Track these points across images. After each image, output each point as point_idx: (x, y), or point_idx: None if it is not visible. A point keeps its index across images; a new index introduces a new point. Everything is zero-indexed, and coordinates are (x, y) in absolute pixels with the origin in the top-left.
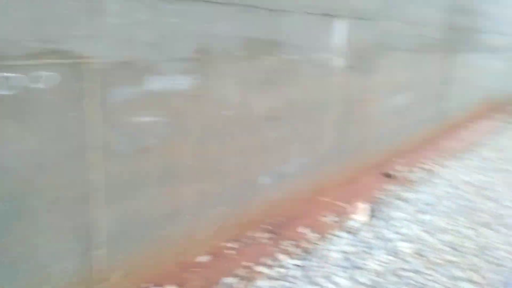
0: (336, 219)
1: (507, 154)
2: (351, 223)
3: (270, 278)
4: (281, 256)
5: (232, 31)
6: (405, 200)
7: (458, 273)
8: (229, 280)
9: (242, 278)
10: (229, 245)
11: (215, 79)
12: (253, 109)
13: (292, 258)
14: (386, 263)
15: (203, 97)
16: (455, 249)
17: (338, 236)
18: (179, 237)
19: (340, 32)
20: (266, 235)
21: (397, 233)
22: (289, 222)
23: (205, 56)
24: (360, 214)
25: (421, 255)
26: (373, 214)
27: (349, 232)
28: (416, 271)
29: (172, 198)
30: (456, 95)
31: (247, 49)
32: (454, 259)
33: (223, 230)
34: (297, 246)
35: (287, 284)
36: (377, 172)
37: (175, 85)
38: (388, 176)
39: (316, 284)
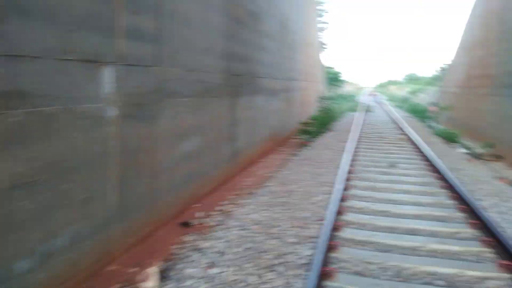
0: None
1: (289, 186)
2: None
3: None
4: None
5: None
6: (200, 250)
7: None
8: None
9: None
10: None
11: None
12: None
13: None
14: None
15: None
16: None
17: None
18: None
19: (110, 80)
20: None
21: None
22: None
23: None
24: (149, 281)
25: None
26: (165, 275)
27: None
28: None
29: None
30: (246, 135)
31: None
32: None
33: None
34: None
35: None
36: (175, 223)
37: None
38: (185, 225)
39: None
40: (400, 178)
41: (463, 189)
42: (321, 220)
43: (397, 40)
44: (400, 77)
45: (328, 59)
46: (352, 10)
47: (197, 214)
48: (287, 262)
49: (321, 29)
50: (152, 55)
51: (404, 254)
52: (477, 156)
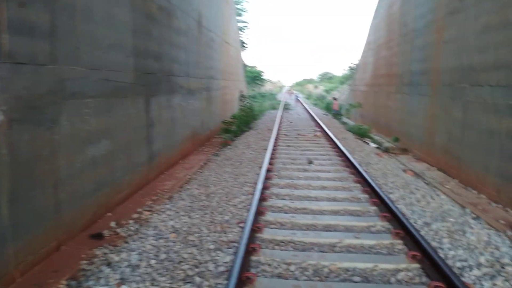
0: None
1: (210, 188)
2: None
3: None
4: None
5: None
6: (111, 265)
7: None
8: None
9: None
10: None
11: None
12: None
13: None
14: None
15: None
16: None
17: None
18: None
19: None
20: None
21: None
22: None
23: None
24: None
25: None
26: None
27: None
28: None
29: None
30: (164, 136)
31: None
32: None
33: None
34: None
35: None
36: (85, 235)
37: None
38: (97, 237)
39: None
40: (317, 174)
41: (375, 183)
42: (242, 222)
43: (313, 41)
44: (315, 76)
45: (249, 58)
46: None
47: (110, 224)
48: (206, 271)
49: (241, 29)
50: (47, 52)
51: (322, 251)
52: (386, 150)
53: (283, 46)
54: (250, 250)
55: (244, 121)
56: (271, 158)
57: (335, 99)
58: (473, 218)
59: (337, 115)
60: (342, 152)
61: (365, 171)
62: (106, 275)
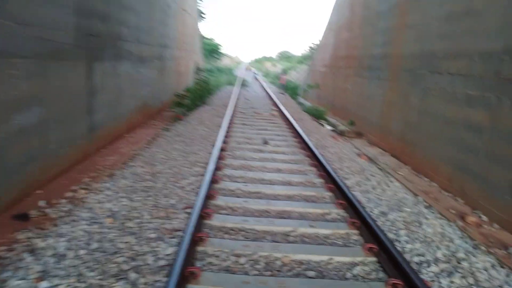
0: None
1: (157, 167)
2: None
3: None
4: None
5: None
6: (35, 252)
7: None
8: None
9: None
10: None
11: None
12: None
13: None
14: None
15: None
16: None
17: None
18: None
19: None
20: None
21: None
22: None
23: None
24: None
25: None
26: None
27: None
28: None
29: None
30: (108, 106)
31: None
32: None
33: None
34: None
35: None
36: (7, 216)
37: None
38: (22, 218)
39: None
40: (272, 156)
41: (330, 167)
42: (189, 207)
43: (273, 18)
44: (273, 54)
45: (207, 30)
46: None
47: (39, 203)
48: (143, 265)
49: None
50: None
51: (275, 241)
52: (341, 133)
53: (244, 21)
54: (196, 240)
55: (198, 96)
56: (226, 137)
57: (283, 74)
58: (426, 207)
59: (287, 90)
60: (298, 133)
61: (321, 154)
62: (27, 265)
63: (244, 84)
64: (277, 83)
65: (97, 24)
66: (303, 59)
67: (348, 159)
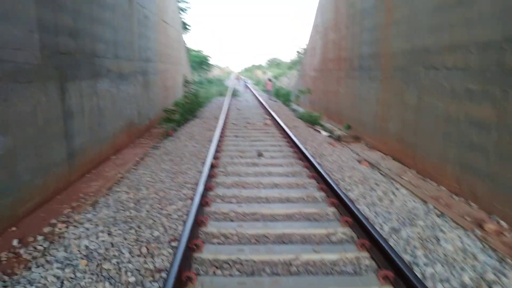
0: None
1: (142, 192)
2: None
3: None
4: None
5: None
6: None
7: None
8: None
9: None
10: None
11: None
12: None
13: None
14: None
15: None
16: None
17: None
18: None
19: None
20: None
21: None
22: None
23: None
24: None
25: None
26: None
27: None
28: None
29: None
30: (88, 129)
31: None
32: None
33: None
34: None
35: None
36: None
37: None
38: None
39: None
40: (268, 169)
41: (331, 178)
42: (175, 240)
43: (261, 26)
44: (263, 62)
45: (195, 42)
46: None
47: (12, 243)
48: None
49: (183, 9)
50: None
51: (276, 274)
52: (338, 139)
53: (232, 31)
54: (184, 281)
55: (188, 109)
56: (217, 151)
57: (269, 80)
58: (439, 216)
59: (279, 97)
60: (293, 142)
61: (319, 164)
62: None
63: (235, 94)
64: (264, 90)
65: (67, 41)
66: (293, 65)
67: (348, 167)
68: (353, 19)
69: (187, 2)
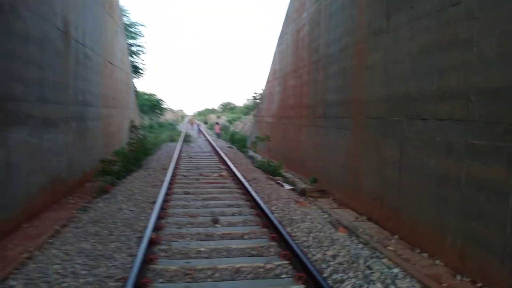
0: None
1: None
2: None
3: None
4: None
5: None
6: None
7: None
8: None
9: None
10: None
11: None
12: None
13: None
14: None
15: None
16: None
17: None
18: None
19: None
20: None
21: None
22: None
23: None
24: None
25: None
26: None
27: None
28: None
29: None
30: (13, 184)
31: None
32: None
33: None
34: None
35: None
36: None
37: None
38: None
39: None
40: (225, 244)
41: (311, 264)
42: None
43: (215, 71)
44: (216, 106)
45: (148, 86)
46: (174, 37)
47: None
48: None
49: (135, 53)
50: None
51: None
52: (303, 193)
53: (185, 76)
54: None
55: (131, 158)
56: (160, 217)
57: (217, 123)
58: None
59: (234, 143)
60: (255, 202)
61: (291, 236)
62: None
63: (187, 140)
64: (214, 133)
65: None
66: (247, 109)
67: (326, 239)
68: (317, 65)
69: (140, 46)
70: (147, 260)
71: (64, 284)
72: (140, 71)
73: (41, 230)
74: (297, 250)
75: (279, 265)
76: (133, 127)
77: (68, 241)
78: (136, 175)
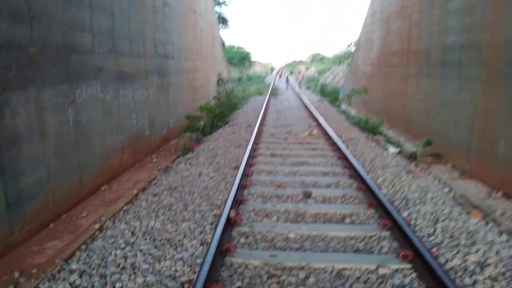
0: None
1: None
2: None
3: None
4: None
5: None
6: None
7: None
8: None
9: None
10: None
11: None
12: None
13: None
14: None
15: None
16: None
17: None
18: None
19: None
20: None
21: None
22: None
23: None
24: None
25: None
26: None
27: None
28: None
29: None
30: (57, 156)
31: None
32: None
33: None
34: None
35: None
36: None
37: None
38: None
39: None
40: (320, 229)
41: (446, 276)
42: None
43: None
44: (305, 58)
45: (237, 39)
46: None
47: None
48: None
49: (223, 2)
50: None
51: None
52: (413, 157)
53: (274, 27)
54: None
55: (217, 114)
56: (243, 187)
57: (299, 72)
58: None
59: (325, 95)
60: (355, 170)
61: (411, 226)
62: None
63: (275, 93)
64: (296, 80)
65: (11, 27)
66: (339, 59)
67: (461, 232)
68: (432, 1)
69: None
70: (222, 250)
71: (117, 285)
72: (227, 22)
73: (119, 195)
74: (425, 253)
75: (397, 271)
76: (220, 81)
77: (140, 213)
78: (221, 132)
